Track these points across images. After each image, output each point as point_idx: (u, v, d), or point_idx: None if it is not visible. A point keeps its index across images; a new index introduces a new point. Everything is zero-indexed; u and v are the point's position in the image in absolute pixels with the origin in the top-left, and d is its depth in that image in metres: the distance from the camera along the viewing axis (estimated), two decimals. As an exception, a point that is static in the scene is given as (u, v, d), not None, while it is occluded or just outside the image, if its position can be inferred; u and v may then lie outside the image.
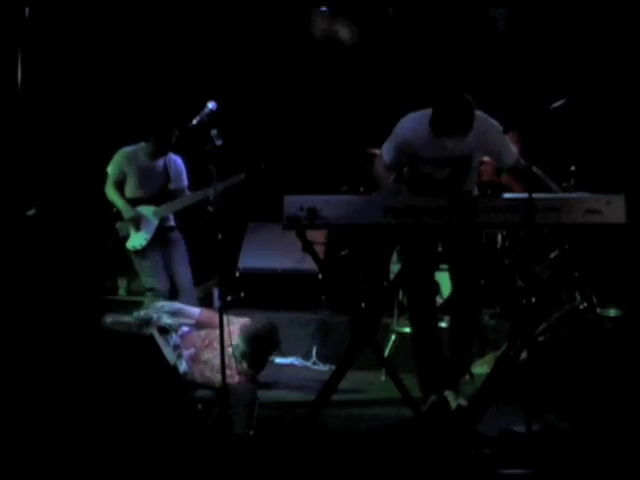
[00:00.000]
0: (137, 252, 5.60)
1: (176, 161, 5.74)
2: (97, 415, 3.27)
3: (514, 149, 4.34)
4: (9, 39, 5.46)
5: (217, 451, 3.48)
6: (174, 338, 5.01)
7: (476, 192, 4.50)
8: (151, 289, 5.56)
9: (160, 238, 5.63)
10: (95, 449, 3.22)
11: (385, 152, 4.33)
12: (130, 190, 5.64)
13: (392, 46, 7.02)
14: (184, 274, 5.65)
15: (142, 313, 5.11)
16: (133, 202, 5.62)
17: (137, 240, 5.58)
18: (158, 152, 5.64)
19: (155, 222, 5.60)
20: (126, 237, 5.61)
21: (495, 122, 4.20)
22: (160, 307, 5.18)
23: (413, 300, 4.36)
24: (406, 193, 4.32)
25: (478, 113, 4.15)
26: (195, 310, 5.19)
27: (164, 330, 5.04)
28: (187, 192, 5.71)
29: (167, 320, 5.07)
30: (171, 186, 5.68)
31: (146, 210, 5.60)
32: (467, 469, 3.52)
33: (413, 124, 4.23)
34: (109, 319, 5.23)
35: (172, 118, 5.56)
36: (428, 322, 4.30)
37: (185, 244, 5.75)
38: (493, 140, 4.18)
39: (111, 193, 5.63)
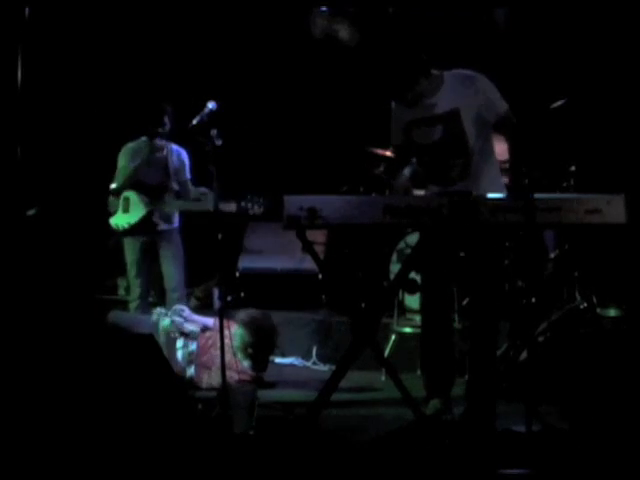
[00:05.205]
0: (120, 233, 5.63)
1: (179, 154, 5.71)
2: (96, 415, 3.26)
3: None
4: (9, 39, 5.46)
5: (217, 451, 3.48)
6: (194, 344, 5.02)
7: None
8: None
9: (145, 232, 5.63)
10: (93, 449, 3.22)
11: (391, 136, 4.37)
12: None
13: (392, 46, 7.01)
14: (171, 275, 5.65)
15: (161, 318, 5.12)
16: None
17: (120, 220, 5.59)
18: (155, 143, 5.63)
19: (143, 212, 5.58)
20: (113, 213, 5.63)
21: (476, 74, 4.17)
22: (177, 311, 5.20)
23: (427, 300, 4.32)
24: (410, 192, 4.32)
25: (453, 72, 4.19)
26: (208, 320, 5.20)
27: (185, 336, 5.05)
28: (190, 186, 5.70)
29: (189, 327, 5.08)
30: (171, 182, 5.66)
31: (139, 197, 5.58)
32: (467, 469, 3.52)
33: None
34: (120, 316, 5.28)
35: (157, 106, 5.59)
36: (441, 323, 4.26)
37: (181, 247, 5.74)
38: (476, 89, 4.12)
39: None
